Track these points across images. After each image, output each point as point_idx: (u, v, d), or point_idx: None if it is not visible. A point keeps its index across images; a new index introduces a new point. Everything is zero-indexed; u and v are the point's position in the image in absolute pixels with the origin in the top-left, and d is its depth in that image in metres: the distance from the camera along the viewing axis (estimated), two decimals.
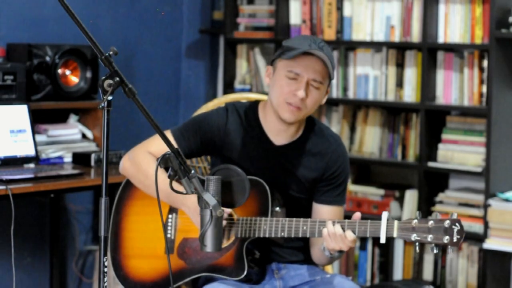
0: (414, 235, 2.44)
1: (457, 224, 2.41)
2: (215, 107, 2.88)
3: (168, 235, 2.77)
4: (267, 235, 2.63)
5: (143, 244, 2.81)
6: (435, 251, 2.45)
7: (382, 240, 2.48)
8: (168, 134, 2.77)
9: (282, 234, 2.61)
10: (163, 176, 2.52)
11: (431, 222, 2.43)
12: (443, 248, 2.46)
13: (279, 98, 2.67)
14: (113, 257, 2.82)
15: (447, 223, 2.42)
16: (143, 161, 2.76)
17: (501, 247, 3.91)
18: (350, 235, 2.51)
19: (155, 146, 2.77)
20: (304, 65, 2.64)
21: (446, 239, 2.41)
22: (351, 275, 4.41)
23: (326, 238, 2.54)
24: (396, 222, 2.47)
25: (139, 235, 2.83)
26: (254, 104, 2.82)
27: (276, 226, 2.62)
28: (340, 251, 2.59)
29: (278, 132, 2.75)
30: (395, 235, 2.46)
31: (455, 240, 2.41)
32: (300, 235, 2.60)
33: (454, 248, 2.43)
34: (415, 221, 2.45)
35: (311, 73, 2.64)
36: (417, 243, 2.46)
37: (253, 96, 3.26)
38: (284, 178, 2.76)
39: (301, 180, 2.76)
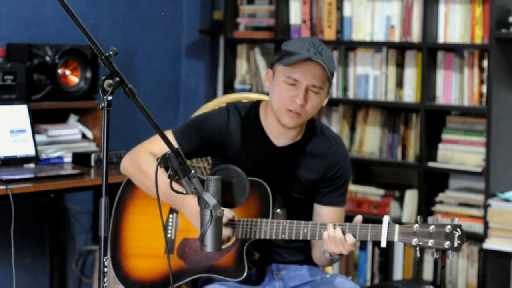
0: (415, 239, 2.44)
1: (458, 229, 2.42)
2: (216, 107, 2.86)
3: (169, 235, 2.77)
4: (267, 237, 2.62)
5: (143, 244, 2.81)
6: (435, 255, 2.46)
7: (383, 245, 2.48)
8: (169, 134, 2.76)
9: (283, 236, 2.60)
10: (163, 176, 2.52)
11: (432, 227, 2.43)
12: (443, 252, 2.46)
13: (279, 104, 2.65)
14: (113, 256, 2.81)
15: (448, 228, 2.42)
16: (143, 161, 2.76)
17: (501, 247, 3.91)
18: (350, 238, 2.50)
19: (156, 146, 2.75)
20: (303, 72, 2.61)
21: (447, 244, 2.42)
22: (351, 275, 4.41)
23: (326, 241, 2.54)
24: (397, 226, 2.46)
25: (139, 235, 2.82)
26: (256, 104, 2.81)
27: (277, 228, 2.61)
28: (341, 254, 2.59)
29: (279, 133, 2.74)
30: (396, 239, 2.46)
31: (456, 245, 2.42)
32: (301, 238, 2.60)
33: (455, 253, 2.44)
34: (416, 225, 2.45)
35: (310, 79, 2.62)
36: (417, 248, 2.46)
37: (253, 96, 3.25)
38: (285, 179, 2.75)
39: (302, 181, 2.75)
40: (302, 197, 2.78)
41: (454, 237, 2.42)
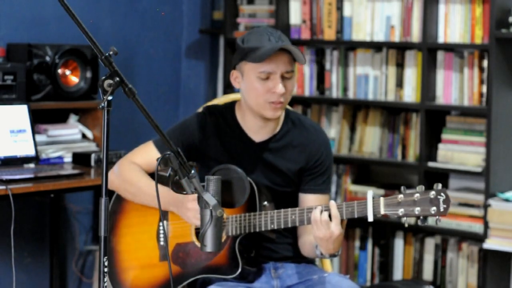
0: (401, 209, 2.45)
1: (442, 194, 2.43)
2: (193, 113, 2.88)
3: (161, 243, 2.78)
4: (257, 229, 2.64)
5: (137, 255, 2.82)
6: (425, 223, 2.46)
7: (370, 219, 2.48)
8: (150, 145, 2.80)
9: (272, 226, 2.62)
10: (150, 181, 2.54)
11: (416, 195, 2.44)
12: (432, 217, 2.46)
13: (258, 100, 2.68)
14: (110, 273, 2.81)
15: (432, 194, 2.43)
16: (125, 170, 2.79)
17: (501, 247, 3.91)
18: (335, 215, 2.49)
19: (139, 156, 2.80)
20: (275, 62, 2.64)
21: (433, 210, 2.43)
22: (351, 275, 4.41)
23: (313, 225, 2.52)
24: (382, 199, 2.47)
25: (132, 247, 2.83)
26: (231, 105, 2.84)
27: (265, 219, 2.63)
28: (332, 255, 2.59)
29: (258, 129, 2.77)
30: (382, 212, 2.47)
31: (441, 210, 2.43)
32: (289, 225, 2.61)
33: (442, 217, 2.44)
34: (401, 195, 2.46)
35: (282, 67, 2.65)
36: (405, 218, 2.46)
37: None
38: (269, 174, 2.78)
39: (286, 173, 2.78)
40: (287, 190, 2.79)
41: (439, 201, 2.43)
